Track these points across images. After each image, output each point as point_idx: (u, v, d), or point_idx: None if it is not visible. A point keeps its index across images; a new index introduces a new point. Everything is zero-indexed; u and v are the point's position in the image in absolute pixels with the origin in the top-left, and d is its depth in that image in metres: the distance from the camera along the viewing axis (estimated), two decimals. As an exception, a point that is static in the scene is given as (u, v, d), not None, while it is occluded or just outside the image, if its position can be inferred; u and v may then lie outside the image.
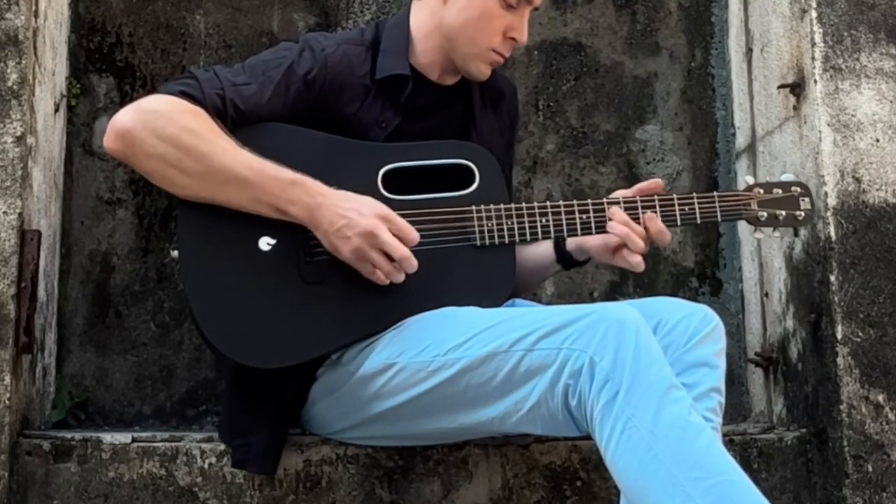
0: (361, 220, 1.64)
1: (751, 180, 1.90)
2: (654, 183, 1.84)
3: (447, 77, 1.88)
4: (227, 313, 1.64)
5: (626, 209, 1.78)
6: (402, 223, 1.66)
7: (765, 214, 1.85)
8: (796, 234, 1.93)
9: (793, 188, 1.87)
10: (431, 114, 1.85)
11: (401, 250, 1.64)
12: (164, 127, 1.62)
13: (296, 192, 1.65)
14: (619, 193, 1.83)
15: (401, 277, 1.66)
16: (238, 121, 1.69)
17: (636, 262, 1.77)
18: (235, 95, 1.69)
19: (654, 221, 1.77)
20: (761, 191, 1.86)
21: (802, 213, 1.86)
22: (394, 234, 1.65)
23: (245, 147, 1.65)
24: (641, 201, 1.80)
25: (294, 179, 1.65)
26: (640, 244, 1.76)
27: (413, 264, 1.65)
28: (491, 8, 1.78)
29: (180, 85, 1.68)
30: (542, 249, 1.93)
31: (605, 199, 1.80)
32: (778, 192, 1.87)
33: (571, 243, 1.89)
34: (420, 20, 1.85)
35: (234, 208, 1.66)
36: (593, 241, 1.83)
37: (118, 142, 1.64)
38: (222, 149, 1.64)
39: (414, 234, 1.66)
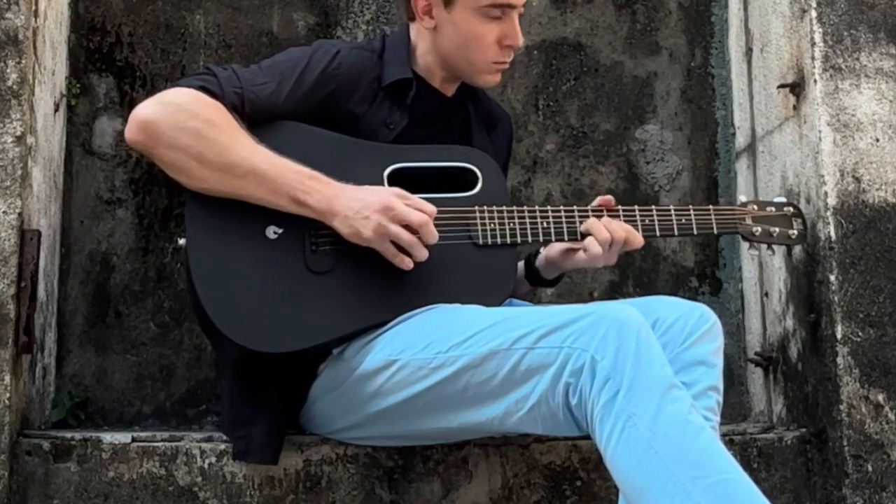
0: (376, 198, 1.67)
1: (744, 198, 1.99)
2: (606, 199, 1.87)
3: (448, 85, 1.92)
4: (232, 298, 1.65)
5: (625, 218, 1.83)
6: (416, 198, 1.69)
7: (759, 230, 1.93)
8: (789, 254, 1.98)
9: (785, 209, 1.96)
10: (435, 121, 1.89)
11: (419, 216, 1.66)
12: (186, 120, 1.65)
13: (313, 183, 1.68)
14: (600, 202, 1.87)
15: (423, 252, 1.67)
16: (254, 118, 1.72)
17: (596, 251, 1.79)
18: (253, 94, 1.72)
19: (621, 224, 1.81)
20: (755, 207, 1.94)
21: (795, 233, 1.95)
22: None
23: (261, 143, 1.68)
24: (640, 211, 1.85)
25: (311, 173, 1.68)
26: (605, 234, 1.78)
27: (433, 232, 1.67)
28: (477, 28, 1.81)
29: (200, 80, 1.71)
30: (519, 267, 1.97)
31: (604, 209, 1.84)
32: (771, 210, 1.95)
33: (540, 260, 1.95)
34: (417, 39, 1.90)
35: (250, 201, 1.68)
36: (556, 249, 1.89)
37: (140, 133, 1.66)
38: (241, 143, 1.67)
39: (430, 207, 1.69)
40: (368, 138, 1.80)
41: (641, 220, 1.84)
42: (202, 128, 1.65)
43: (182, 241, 1.71)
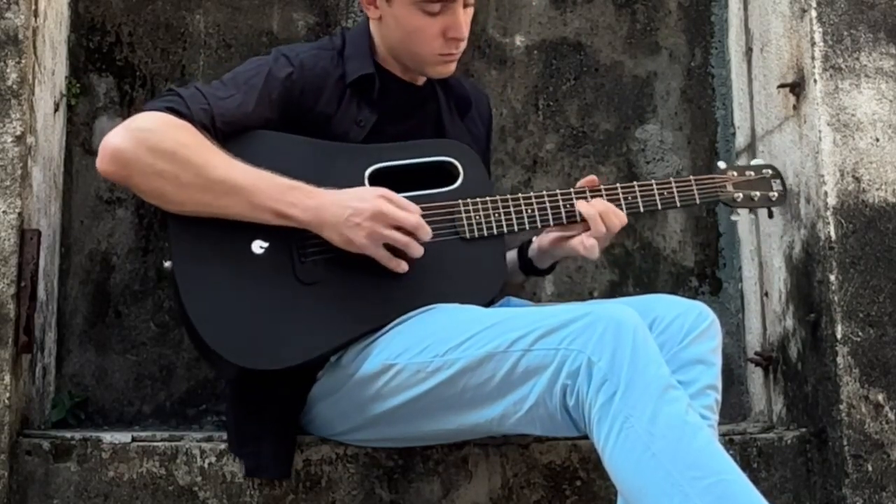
0: (365, 205, 1.66)
1: (723, 165, 1.99)
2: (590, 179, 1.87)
3: (414, 75, 1.90)
4: (224, 318, 1.64)
5: (608, 197, 1.83)
6: (402, 199, 1.69)
7: (740, 196, 1.94)
8: (770, 216, 2.00)
9: (764, 171, 1.98)
10: (406, 115, 1.88)
11: (413, 219, 1.67)
12: (158, 143, 1.62)
13: (295, 194, 1.66)
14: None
15: (419, 250, 1.67)
16: (226, 133, 1.70)
17: (590, 244, 1.78)
18: (221, 108, 1.70)
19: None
20: (735, 173, 1.96)
21: (776, 194, 1.97)
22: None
23: (236, 158, 1.66)
24: (622, 188, 1.85)
25: (292, 184, 1.67)
26: (602, 228, 1.78)
27: (427, 230, 1.68)
28: (416, 22, 1.79)
29: (165, 102, 1.68)
30: (510, 257, 1.96)
31: (587, 189, 1.84)
32: (750, 174, 1.97)
33: (533, 249, 1.94)
34: (374, 30, 1.89)
35: (233, 219, 1.66)
36: (548, 237, 1.88)
37: (113, 164, 1.63)
38: (216, 161, 1.65)
39: (414, 207, 1.69)
40: (340, 138, 1.78)
41: (624, 198, 1.84)
42: (176, 150, 1.62)
43: (168, 264, 1.68)
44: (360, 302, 1.69)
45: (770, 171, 1.98)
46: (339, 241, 1.66)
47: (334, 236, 1.66)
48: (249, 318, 1.64)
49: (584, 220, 1.80)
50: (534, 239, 1.94)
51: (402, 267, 1.68)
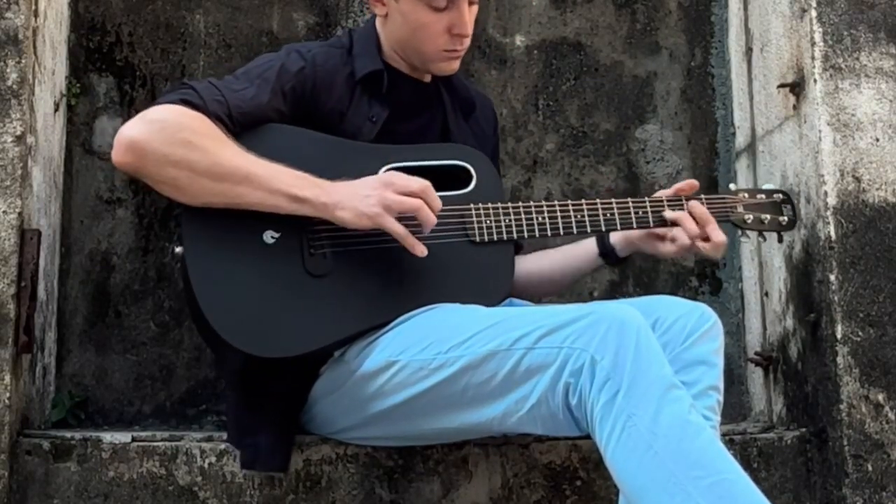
0: (371, 179, 1.68)
1: (734, 187, 2.00)
2: (689, 183, 1.89)
3: (421, 73, 1.92)
4: (232, 305, 1.64)
5: (618, 211, 1.84)
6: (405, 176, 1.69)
7: (750, 217, 1.93)
8: (780, 241, 1.98)
9: (775, 195, 1.96)
10: (415, 112, 1.89)
11: (419, 181, 1.67)
12: (173, 134, 1.62)
13: (307, 182, 1.67)
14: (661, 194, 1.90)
15: (431, 217, 1.66)
16: (242, 124, 1.71)
17: (685, 243, 1.82)
18: (236, 100, 1.70)
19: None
20: (746, 195, 1.95)
21: (786, 219, 1.95)
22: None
23: (250, 151, 1.67)
24: (633, 203, 1.85)
25: (302, 174, 1.67)
26: (695, 228, 1.82)
27: (435, 197, 1.67)
28: (423, 18, 1.80)
29: (180, 94, 1.68)
30: (583, 246, 1.97)
31: (597, 200, 1.85)
32: (761, 197, 1.95)
33: (615, 237, 1.93)
34: (381, 29, 1.90)
35: (248, 207, 1.66)
36: (636, 231, 1.89)
37: (128, 154, 1.64)
38: (231, 151, 1.66)
39: (421, 181, 1.69)
40: (353, 134, 1.79)
41: (635, 213, 1.84)
42: (191, 140, 1.63)
43: (179, 249, 1.68)
44: (366, 297, 1.70)
45: (781, 196, 1.96)
46: (350, 218, 1.65)
47: (345, 214, 1.65)
48: (257, 307, 1.65)
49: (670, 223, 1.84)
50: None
51: (420, 250, 1.67)
